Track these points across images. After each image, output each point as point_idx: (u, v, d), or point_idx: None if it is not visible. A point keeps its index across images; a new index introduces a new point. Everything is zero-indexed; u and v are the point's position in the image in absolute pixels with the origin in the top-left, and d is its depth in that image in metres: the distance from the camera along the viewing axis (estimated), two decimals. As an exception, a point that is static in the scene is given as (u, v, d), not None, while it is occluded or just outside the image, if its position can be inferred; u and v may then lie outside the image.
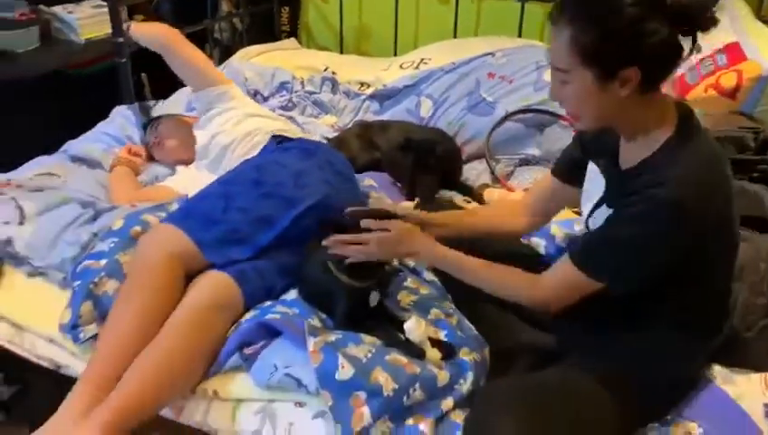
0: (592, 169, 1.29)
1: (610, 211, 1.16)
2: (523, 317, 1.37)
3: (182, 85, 2.57)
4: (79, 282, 1.44)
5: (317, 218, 1.46)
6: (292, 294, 1.47)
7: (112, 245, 1.51)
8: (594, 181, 1.27)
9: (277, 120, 2.09)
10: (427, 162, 1.99)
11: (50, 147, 2.14)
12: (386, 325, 1.36)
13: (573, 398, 1.14)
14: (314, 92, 2.62)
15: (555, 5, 1.11)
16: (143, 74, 2.90)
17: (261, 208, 1.51)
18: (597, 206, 1.23)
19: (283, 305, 1.42)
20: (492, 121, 2.23)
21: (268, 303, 1.43)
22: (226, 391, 1.32)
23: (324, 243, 1.32)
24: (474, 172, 2.16)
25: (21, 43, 2.38)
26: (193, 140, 2.02)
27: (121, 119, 2.30)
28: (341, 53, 3.11)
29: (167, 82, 2.71)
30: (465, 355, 1.33)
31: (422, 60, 2.53)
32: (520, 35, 2.70)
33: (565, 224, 1.62)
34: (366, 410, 1.18)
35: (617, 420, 1.16)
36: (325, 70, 2.75)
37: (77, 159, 2.05)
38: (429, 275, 1.55)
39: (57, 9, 2.56)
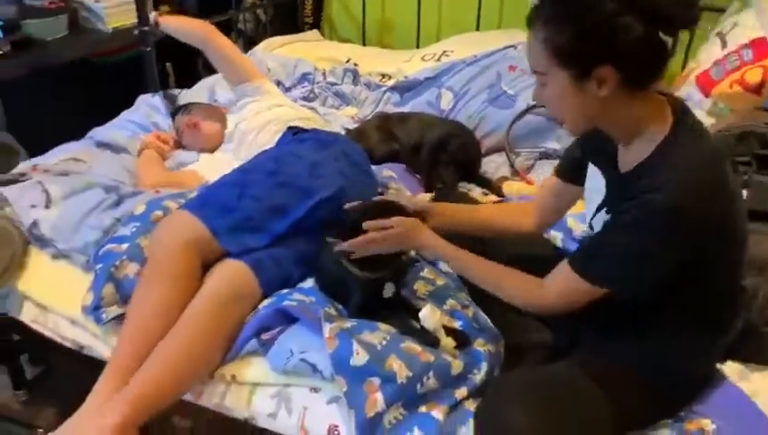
0: (593, 168, 1.27)
1: (609, 217, 1.15)
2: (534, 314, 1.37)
3: (206, 75, 2.61)
4: (101, 265, 1.47)
5: (332, 210, 1.47)
6: (310, 283, 1.49)
7: (134, 229, 1.54)
8: (594, 179, 1.26)
9: (298, 109, 2.12)
10: (443, 157, 2.00)
11: (77, 133, 2.17)
12: (401, 314, 1.37)
13: (583, 392, 1.14)
14: (336, 84, 2.63)
15: (531, 10, 1.10)
16: (168, 64, 2.93)
17: (274, 197, 1.52)
18: (598, 209, 1.21)
19: (301, 293, 1.44)
20: (512, 114, 2.22)
21: (285, 290, 1.45)
22: (244, 375, 1.35)
23: (336, 249, 1.32)
24: (493, 165, 2.16)
25: (50, 32, 2.42)
26: (225, 127, 2.07)
27: (146, 107, 2.33)
28: (364, 45, 3.11)
29: (190, 72, 2.76)
30: (480, 346, 1.34)
31: (444, 52, 2.53)
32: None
33: (582, 217, 1.61)
34: (379, 397, 1.20)
35: (625, 416, 1.16)
36: (347, 61, 2.76)
37: (102, 145, 2.08)
38: (446, 267, 1.56)
39: (85, -2, 2.60)
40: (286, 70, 2.67)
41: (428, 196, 1.91)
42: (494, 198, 1.95)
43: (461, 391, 1.26)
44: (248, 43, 3.07)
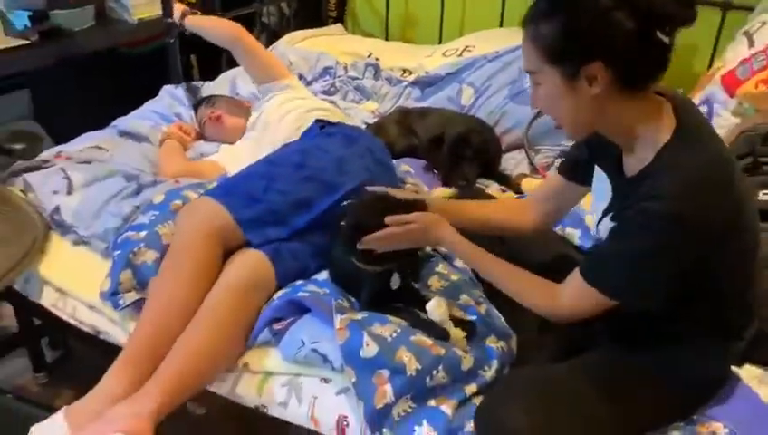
0: (600, 170, 1.25)
1: (613, 224, 1.12)
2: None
3: (228, 67, 2.63)
4: (119, 251, 1.49)
5: None
6: (324, 275, 1.50)
7: (152, 217, 1.56)
8: (602, 180, 1.23)
9: (321, 102, 2.12)
10: (463, 153, 1.99)
11: (103, 123, 2.20)
12: (410, 306, 1.37)
13: (587, 394, 1.13)
14: (357, 78, 2.63)
15: (528, 9, 1.09)
16: (192, 56, 2.96)
17: (300, 191, 1.53)
18: (604, 213, 1.18)
19: (315, 285, 1.45)
20: (533, 111, 2.20)
21: (300, 281, 1.46)
22: (256, 363, 1.36)
23: (358, 246, 1.30)
24: (512, 162, 2.15)
25: (77, 22, 2.45)
26: (247, 121, 2.09)
27: (169, 98, 2.36)
28: (387, 39, 3.11)
29: (215, 65, 2.78)
30: (493, 343, 1.34)
31: (466, 47, 2.52)
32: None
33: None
34: (389, 388, 1.20)
35: (637, 415, 1.15)
36: (369, 56, 2.75)
37: (125, 134, 2.11)
38: (460, 263, 1.55)
39: (112, -11, 2.63)
40: (308, 63, 2.68)
41: (447, 191, 1.91)
42: (511, 194, 1.94)
43: (470, 387, 1.26)
44: (272, 36, 3.08)
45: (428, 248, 1.58)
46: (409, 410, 1.21)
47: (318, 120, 1.89)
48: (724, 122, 1.81)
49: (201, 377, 1.32)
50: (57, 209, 1.68)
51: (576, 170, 1.32)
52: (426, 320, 1.33)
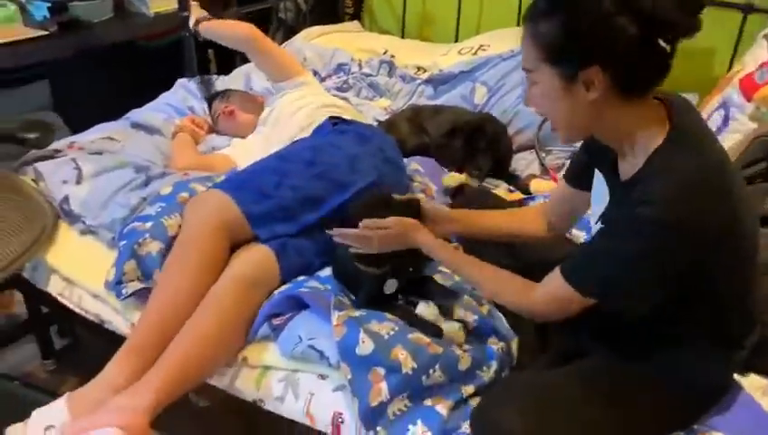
0: (599, 174, 1.23)
1: (602, 226, 1.11)
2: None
3: (243, 62, 2.64)
4: (124, 242, 1.50)
5: None
6: (327, 271, 1.49)
7: (159, 209, 1.57)
8: (600, 184, 1.21)
9: (334, 99, 2.12)
10: (477, 144, 1.97)
11: (120, 114, 2.22)
12: (404, 307, 1.37)
13: (586, 398, 1.12)
14: (371, 75, 2.62)
15: (528, 6, 1.07)
16: (210, 50, 2.98)
17: (311, 188, 1.53)
18: (598, 219, 1.16)
19: (317, 281, 1.45)
20: (545, 112, 2.18)
21: (302, 277, 1.46)
22: (255, 358, 1.37)
23: (327, 232, 1.33)
24: (523, 162, 2.13)
25: (96, 14, 2.48)
26: (260, 116, 2.10)
27: (183, 91, 2.38)
28: (403, 37, 3.10)
29: (231, 59, 2.80)
30: (493, 344, 1.33)
31: (480, 46, 2.50)
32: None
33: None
34: (384, 386, 1.20)
35: (637, 421, 1.13)
36: (384, 53, 2.75)
37: (137, 126, 2.13)
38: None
39: (130, -18, 2.66)
40: (323, 60, 2.68)
41: (458, 176, 1.90)
42: (519, 195, 1.92)
43: (468, 388, 1.25)
44: (288, 32, 3.08)
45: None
46: (405, 408, 1.21)
47: (331, 118, 1.89)
48: (741, 127, 1.77)
49: (203, 365, 1.32)
50: (66, 199, 1.70)
51: (581, 177, 1.30)
52: (421, 318, 1.32)
